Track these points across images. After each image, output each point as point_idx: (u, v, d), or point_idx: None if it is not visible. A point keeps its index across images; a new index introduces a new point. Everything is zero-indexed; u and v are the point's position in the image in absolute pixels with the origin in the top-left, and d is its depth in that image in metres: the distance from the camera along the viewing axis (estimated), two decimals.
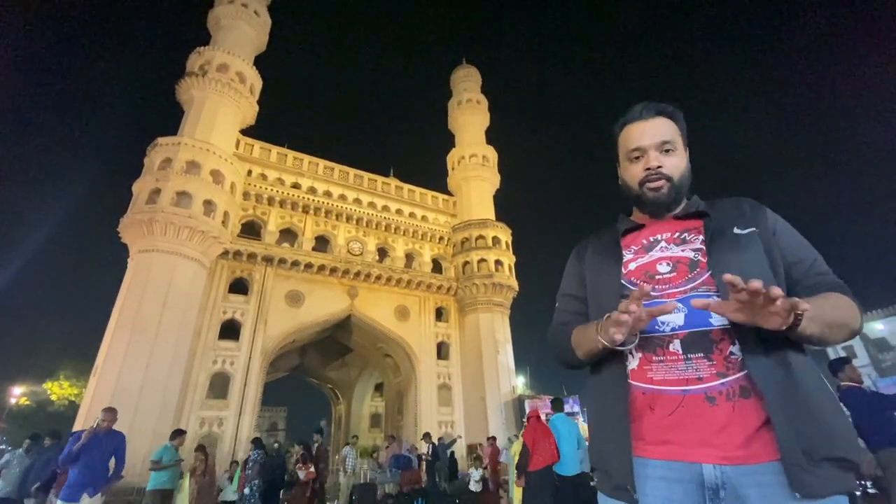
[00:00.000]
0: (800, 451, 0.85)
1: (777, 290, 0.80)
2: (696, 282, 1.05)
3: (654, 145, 1.15)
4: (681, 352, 1.00)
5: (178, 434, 7.50)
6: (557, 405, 6.81)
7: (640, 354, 1.06)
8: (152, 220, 15.82)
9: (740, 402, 0.93)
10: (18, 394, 28.74)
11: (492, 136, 30.36)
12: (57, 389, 30.16)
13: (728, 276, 0.84)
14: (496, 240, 24.55)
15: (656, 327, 1.04)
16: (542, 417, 6.57)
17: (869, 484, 4.82)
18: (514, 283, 24.17)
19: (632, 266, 1.16)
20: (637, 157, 1.18)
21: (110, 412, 5.08)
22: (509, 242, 25.28)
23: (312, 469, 7.81)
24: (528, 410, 19.64)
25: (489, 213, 26.65)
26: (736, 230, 1.09)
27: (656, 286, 1.09)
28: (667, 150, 1.16)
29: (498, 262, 23.93)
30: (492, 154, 28.75)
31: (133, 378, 13.90)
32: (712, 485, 0.92)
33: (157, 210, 15.91)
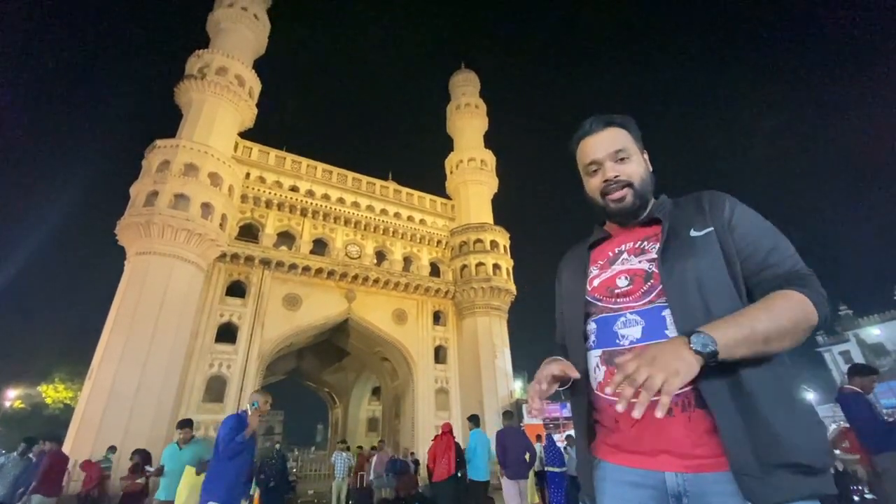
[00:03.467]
0: (752, 458, 0.85)
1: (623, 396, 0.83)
2: (652, 294, 1.06)
3: (609, 155, 1.17)
4: None
5: (182, 426, 5.81)
6: (474, 420, 7.73)
7: (604, 367, 1.08)
8: (150, 223, 15.77)
9: (696, 411, 0.94)
10: (13, 396, 28.54)
11: (490, 141, 30.51)
12: (52, 392, 29.94)
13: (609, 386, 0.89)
14: (494, 243, 24.58)
15: (616, 341, 1.07)
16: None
17: (866, 490, 4.78)
18: (513, 287, 24.17)
19: (595, 282, 1.18)
20: (595, 171, 1.20)
21: (267, 393, 4.35)
22: (507, 246, 25.30)
23: (141, 480, 7.45)
24: (525, 415, 19.64)
25: (487, 216, 26.68)
26: (692, 232, 1.07)
27: (617, 300, 1.11)
28: (622, 159, 1.17)
29: (496, 266, 23.93)
30: (490, 158, 28.83)
31: (129, 381, 13.80)
32: (674, 492, 0.94)
33: (154, 212, 15.86)
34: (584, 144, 1.23)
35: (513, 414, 7.25)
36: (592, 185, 1.21)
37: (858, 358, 31.43)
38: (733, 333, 0.87)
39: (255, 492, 8.84)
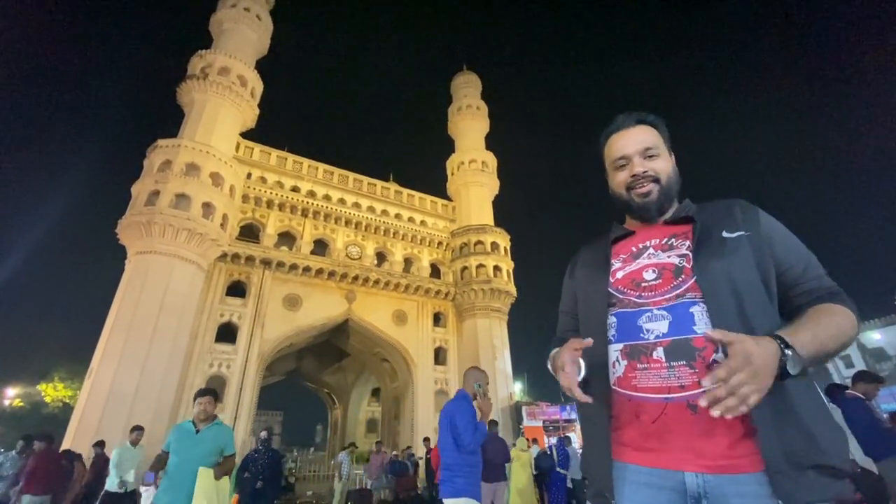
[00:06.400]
0: (783, 458, 0.84)
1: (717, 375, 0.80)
2: (681, 288, 1.05)
3: (638, 152, 1.18)
4: (664, 359, 1.00)
5: (203, 394, 3.71)
6: None
7: (625, 362, 1.07)
8: (151, 222, 15.78)
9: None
10: (12, 395, 28.53)
11: (491, 142, 30.53)
12: (51, 391, 29.94)
13: (709, 334, 0.86)
14: (495, 245, 24.57)
15: (641, 335, 1.05)
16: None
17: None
18: (513, 289, 24.14)
19: (619, 275, 1.17)
20: (622, 166, 1.21)
21: (483, 370, 3.89)
22: (508, 248, 25.28)
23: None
24: (525, 417, 19.61)
25: (488, 218, 26.67)
26: (724, 234, 1.07)
27: (642, 293, 1.10)
28: (650, 156, 1.18)
29: (496, 268, 23.91)
30: (491, 160, 28.83)
31: (128, 380, 13.79)
32: (694, 493, 0.92)
33: (155, 212, 15.87)
34: (612, 140, 1.24)
35: (497, 423, 7.39)
36: (619, 179, 1.22)
37: (859, 362, 31.35)
38: (813, 351, 0.88)
39: (233, 497, 7.51)
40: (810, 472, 0.84)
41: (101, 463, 8.56)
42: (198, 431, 3.54)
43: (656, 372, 1.00)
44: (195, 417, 3.64)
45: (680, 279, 1.06)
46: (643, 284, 1.11)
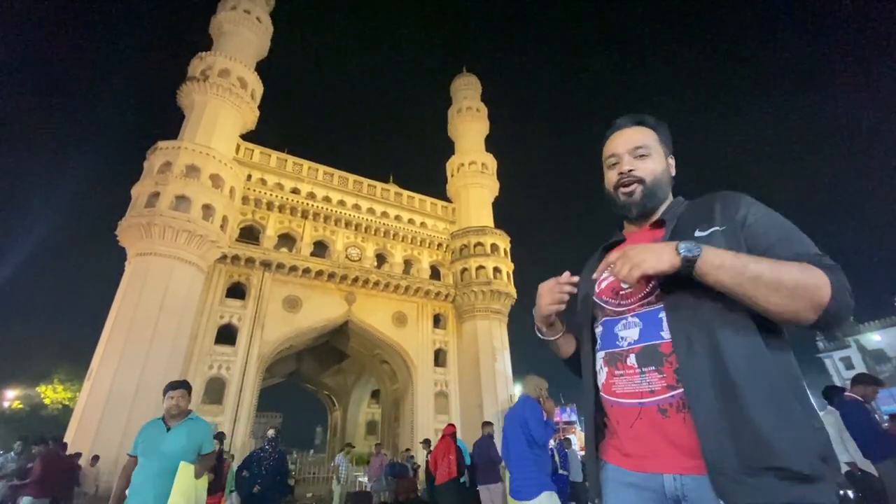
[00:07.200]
0: (733, 458, 0.82)
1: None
2: (651, 296, 1.07)
3: (628, 150, 1.21)
4: (636, 366, 1.03)
5: (174, 387, 3.38)
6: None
7: (606, 369, 1.10)
8: (151, 224, 15.79)
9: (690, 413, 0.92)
10: (11, 397, 28.50)
11: (491, 144, 30.55)
12: (51, 393, 29.89)
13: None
14: (494, 247, 24.57)
15: (616, 343, 1.09)
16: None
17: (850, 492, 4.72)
18: (513, 291, 24.14)
19: (603, 284, 1.21)
20: (614, 164, 1.24)
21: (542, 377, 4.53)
22: (507, 250, 25.28)
23: None
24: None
25: (488, 220, 26.69)
26: (697, 233, 1.04)
27: (621, 302, 1.13)
28: (641, 155, 1.20)
29: (496, 270, 23.92)
30: (491, 161, 28.86)
31: (128, 382, 13.78)
32: (673, 496, 0.93)
33: (155, 213, 15.88)
34: (609, 140, 1.27)
35: (491, 424, 7.77)
36: (610, 177, 1.25)
37: (859, 364, 31.38)
38: (724, 256, 0.89)
39: (230, 495, 7.31)
40: (763, 475, 0.80)
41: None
42: (169, 429, 3.21)
43: (630, 378, 1.03)
44: (165, 413, 3.29)
45: (650, 286, 1.07)
46: (621, 293, 1.14)
